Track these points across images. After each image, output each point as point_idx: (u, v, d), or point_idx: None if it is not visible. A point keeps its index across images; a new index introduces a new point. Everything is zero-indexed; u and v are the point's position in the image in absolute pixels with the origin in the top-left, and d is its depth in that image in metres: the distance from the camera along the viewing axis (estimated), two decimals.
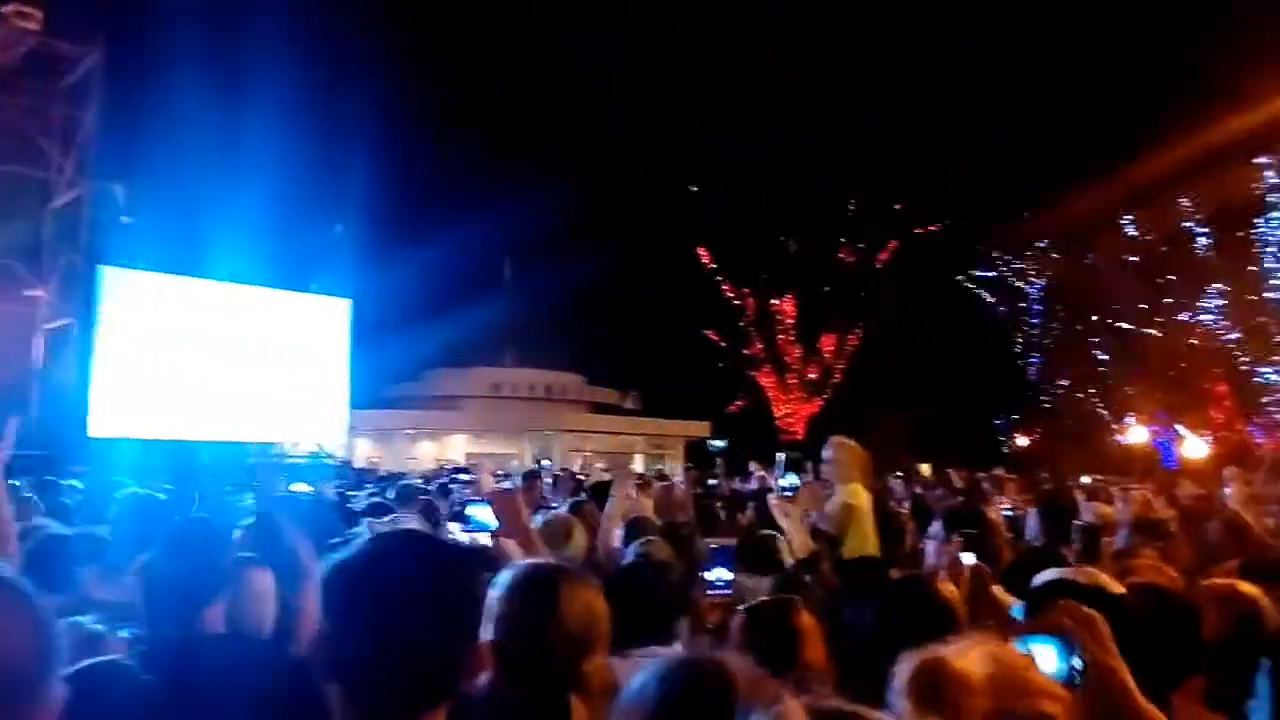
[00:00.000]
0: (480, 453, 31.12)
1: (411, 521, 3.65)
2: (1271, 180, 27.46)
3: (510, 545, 2.94)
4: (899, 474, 12.20)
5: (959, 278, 35.39)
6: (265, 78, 19.48)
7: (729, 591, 2.90)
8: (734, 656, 1.29)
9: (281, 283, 19.68)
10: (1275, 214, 28.02)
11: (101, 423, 16.08)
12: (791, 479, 4.01)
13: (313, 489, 8.16)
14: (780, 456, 4.04)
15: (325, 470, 13.27)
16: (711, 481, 9.27)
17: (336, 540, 4.60)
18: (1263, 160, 26.95)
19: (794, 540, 3.91)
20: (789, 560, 3.84)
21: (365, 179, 22.06)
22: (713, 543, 3.23)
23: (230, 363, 18.01)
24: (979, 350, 33.65)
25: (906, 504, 7.52)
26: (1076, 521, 3.88)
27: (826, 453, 4.87)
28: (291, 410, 18.86)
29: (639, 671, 1.24)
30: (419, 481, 9.21)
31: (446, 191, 31.50)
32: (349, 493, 8.55)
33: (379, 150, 23.28)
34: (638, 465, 30.74)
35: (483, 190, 33.10)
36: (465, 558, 1.48)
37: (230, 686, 2.22)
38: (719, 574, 2.96)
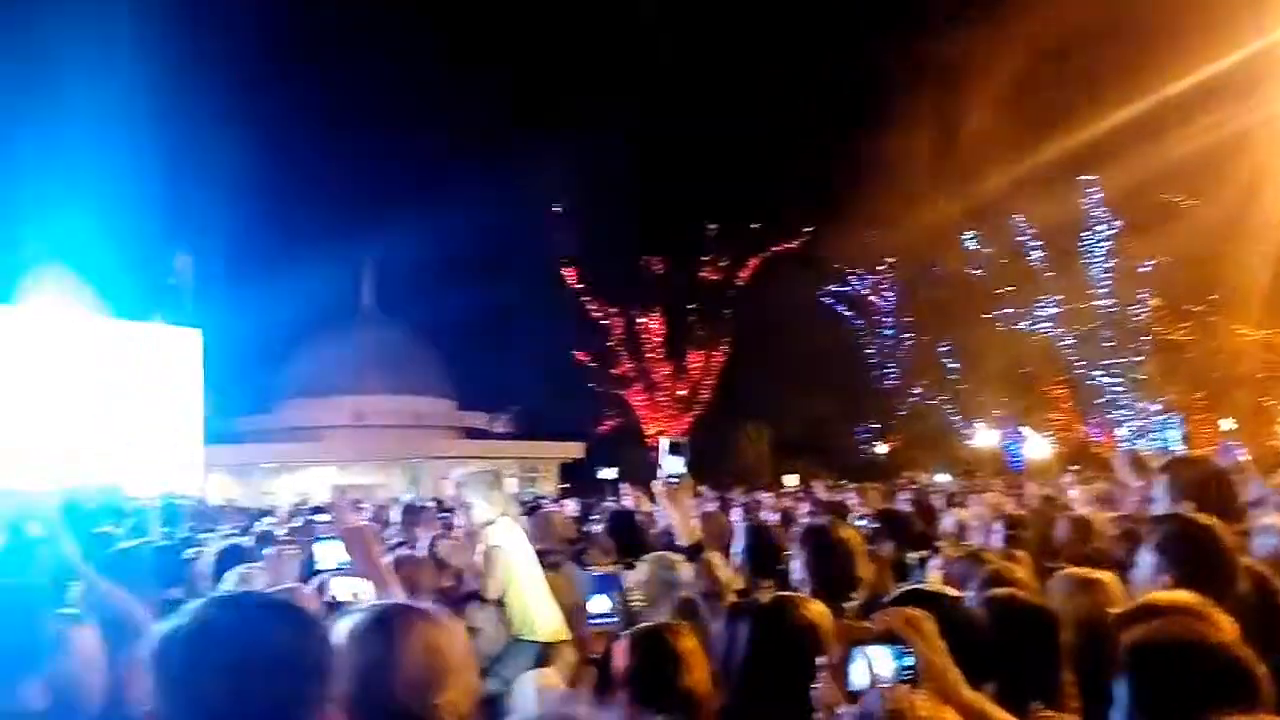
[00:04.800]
0: (347, 484, 30.07)
1: (259, 578, 3.43)
2: (1095, 196, 29.68)
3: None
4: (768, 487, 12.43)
5: (817, 293, 36.65)
6: (108, 99, 18.47)
7: (614, 620, 2.82)
8: (591, 713, 1.24)
9: (126, 313, 18.55)
10: (1099, 228, 30.29)
11: None
12: (676, 465, 3.96)
13: (161, 533, 7.66)
14: (664, 443, 4.00)
15: (176, 512, 12.49)
16: (605, 507, 9.16)
17: (180, 591, 4.31)
18: (1086, 178, 29.10)
19: (679, 527, 3.90)
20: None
21: (213, 204, 21.15)
22: (596, 570, 3.17)
23: (68, 399, 16.78)
24: (840, 362, 34.90)
25: (775, 516, 7.64)
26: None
27: None
28: (139, 448, 17.71)
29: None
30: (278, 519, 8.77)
31: (300, 215, 30.49)
32: (202, 534, 8.06)
33: (227, 174, 22.36)
34: (511, 490, 30.35)
35: (339, 213, 32.21)
36: (307, 618, 1.39)
37: None
38: (600, 603, 2.88)
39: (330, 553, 3.04)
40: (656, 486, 4.24)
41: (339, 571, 2.86)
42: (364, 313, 35.13)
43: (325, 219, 31.01)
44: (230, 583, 3.50)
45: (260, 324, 24.76)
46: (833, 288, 37.29)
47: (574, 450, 33.24)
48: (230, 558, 4.39)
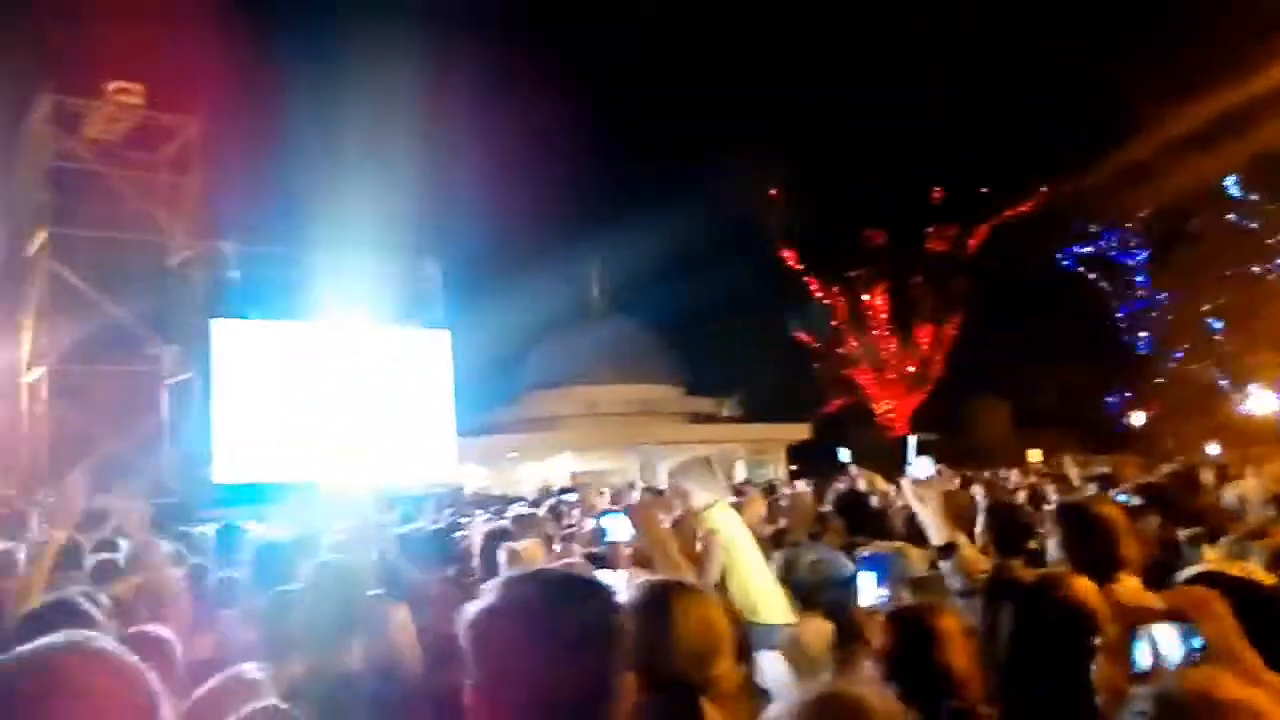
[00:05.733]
0: (583, 470, 31.43)
1: (536, 552, 3.75)
2: None
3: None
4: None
5: (1056, 255, 34.20)
6: (354, 126, 20.27)
7: (882, 601, 2.79)
8: (874, 690, 1.20)
9: (383, 320, 20.32)
10: None
11: (225, 469, 16.85)
12: (926, 467, 3.88)
13: (428, 519, 8.39)
14: (911, 441, 3.93)
15: (438, 499, 13.59)
16: (835, 488, 9.11)
17: (455, 568, 4.74)
18: None
19: (931, 526, 3.83)
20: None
21: (457, 211, 22.68)
22: (865, 551, 3.13)
23: (341, 401, 18.63)
24: (1084, 328, 32.43)
25: (1021, 494, 7.30)
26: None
27: None
28: (402, 442, 19.40)
29: (777, 704, 1.20)
30: (527, 504, 9.35)
31: (535, 222, 32.07)
32: (462, 519, 8.75)
33: (467, 178, 23.89)
34: (740, 472, 30.56)
35: (570, 218, 33.58)
36: (606, 591, 1.52)
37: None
38: (868, 583, 2.82)
39: (618, 525, 3.43)
40: (905, 485, 4.19)
41: (628, 542, 3.12)
42: (595, 308, 36.45)
43: (558, 225, 32.52)
44: (502, 560, 3.83)
45: (503, 323, 26.29)
46: (1074, 249, 34.67)
47: (801, 432, 32.95)
48: (496, 539, 4.78)
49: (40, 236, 18.35)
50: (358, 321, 19.55)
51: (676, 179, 32.38)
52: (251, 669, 2.43)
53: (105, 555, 5.03)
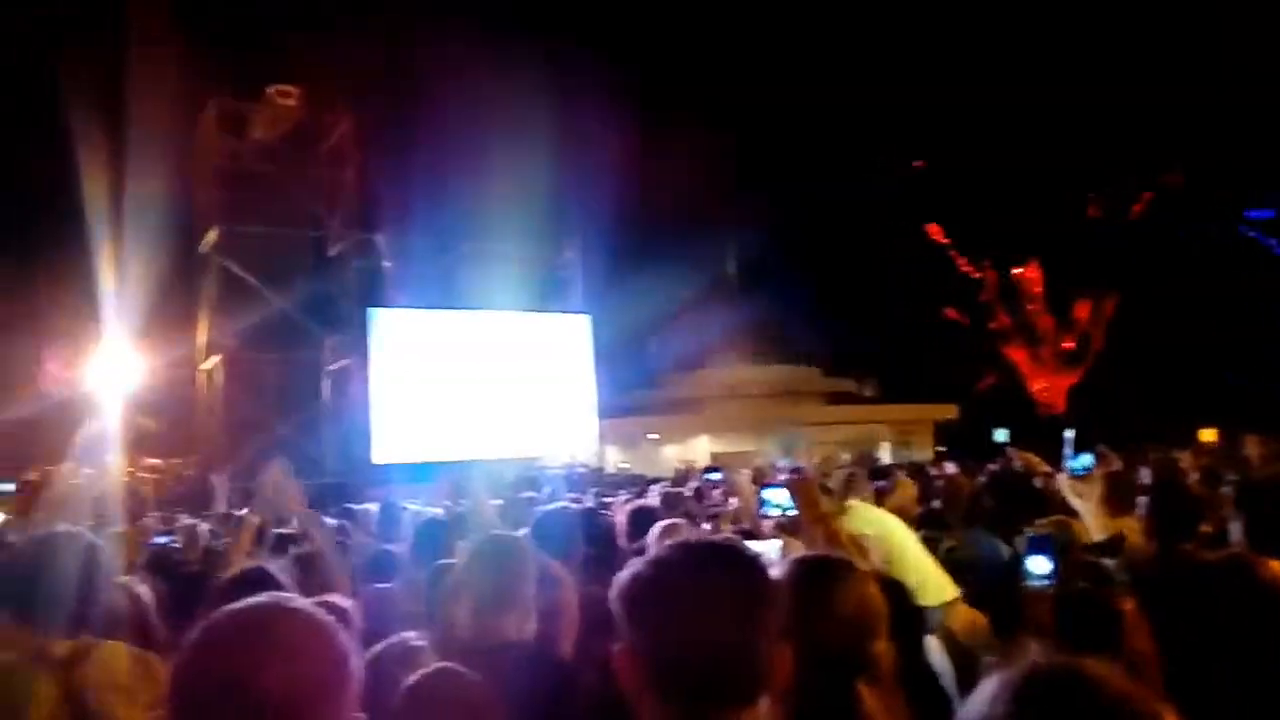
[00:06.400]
0: (723, 452, 31.45)
1: (682, 529, 3.79)
2: None
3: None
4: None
5: (1231, 221, 31.71)
6: (496, 119, 20.80)
7: (1050, 581, 2.71)
8: (1098, 663, 1.05)
9: (526, 306, 20.90)
10: None
11: (383, 450, 17.71)
12: (1084, 459, 3.73)
13: (572, 498, 8.59)
14: (1068, 435, 3.78)
15: (581, 479, 13.93)
16: (988, 470, 8.79)
17: (602, 543, 4.83)
18: None
19: (1090, 522, 3.66)
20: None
21: (594, 198, 22.98)
22: (1030, 531, 3.05)
23: (488, 384, 19.28)
24: (1261, 299, 29.99)
25: (1193, 475, 6.82)
26: None
27: None
28: (546, 424, 19.93)
29: (986, 681, 1.11)
30: (669, 484, 9.43)
31: (670, 200, 32.14)
32: (606, 499, 8.91)
33: (604, 164, 24.17)
34: (884, 455, 29.89)
35: (704, 200, 33.49)
36: (753, 558, 1.54)
37: (539, 691, 2.38)
38: (1038, 564, 2.75)
39: (778, 497, 3.49)
40: (1063, 482, 4.03)
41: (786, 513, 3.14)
42: (732, 289, 36.34)
43: (694, 207, 32.47)
44: (651, 536, 3.88)
45: (641, 307, 26.51)
46: (1251, 213, 32.06)
47: (948, 412, 31.88)
48: (642, 517, 4.84)
49: (211, 234, 19.71)
50: (502, 308, 20.17)
51: (814, 155, 31.76)
52: (413, 636, 2.55)
53: (281, 530, 5.40)
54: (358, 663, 1.21)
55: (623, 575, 1.47)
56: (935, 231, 34.20)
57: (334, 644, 1.20)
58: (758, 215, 31.12)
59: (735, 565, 1.45)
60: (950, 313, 34.34)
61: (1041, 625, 2.38)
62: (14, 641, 2.27)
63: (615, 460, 29.09)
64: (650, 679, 1.37)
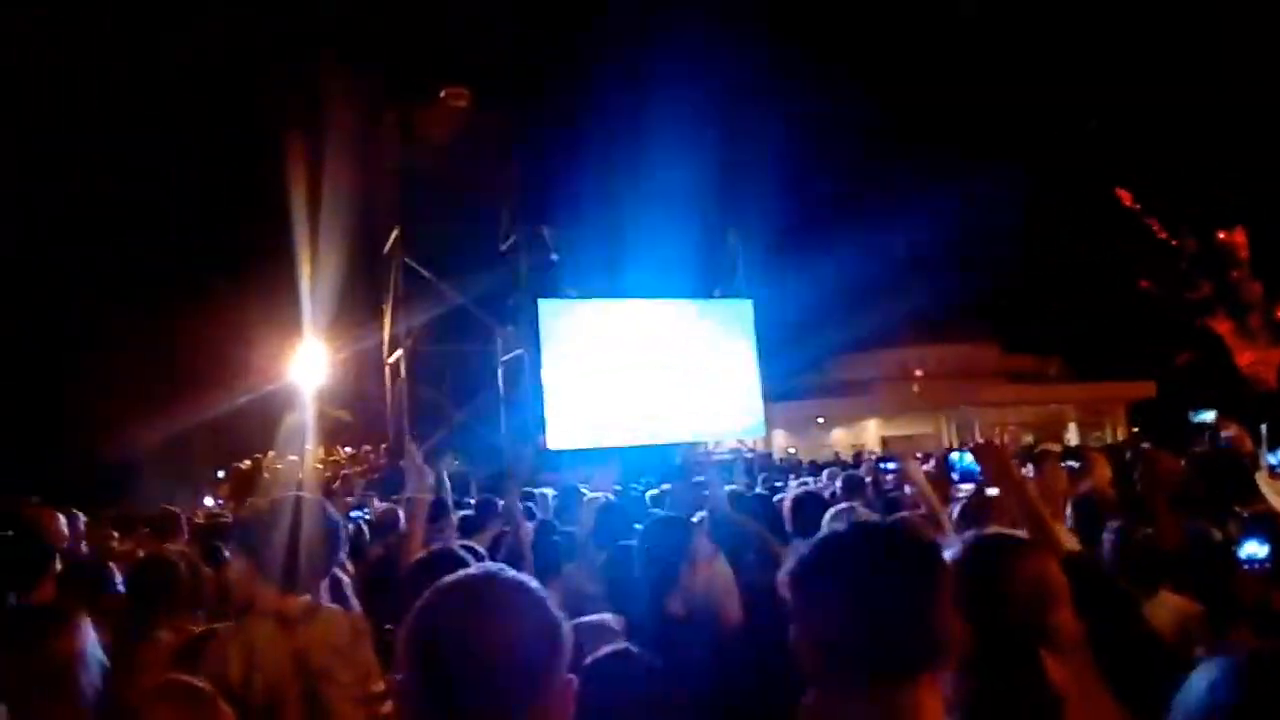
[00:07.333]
0: (894, 435, 30.61)
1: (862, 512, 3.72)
2: None
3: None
4: None
5: None
6: (657, 109, 20.99)
7: (1266, 564, 2.54)
8: None
9: (690, 292, 21.02)
10: None
11: (556, 436, 18.25)
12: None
13: (740, 482, 8.58)
14: (1265, 430, 3.45)
15: (748, 463, 13.88)
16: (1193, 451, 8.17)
17: (771, 527, 4.79)
18: None
19: None
20: None
21: (756, 181, 22.83)
22: (1246, 511, 2.85)
23: (655, 371, 19.52)
24: None
25: None
26: None
27: None
28: (713, 409, 19.99)
29: (1202, 670, 1.05)
30: (842, 468, 9.25)
31: (832, 180, 31.52)
32: (776, 484, 8.85)
33: (765, 146, 23.97)
34: (1071, 436, 28.29)
35: (870, 172, 32.60)
36: (922, 540, 1.54)
37: (708, 667, 2.42)
38: (1255, 547, 2.60)
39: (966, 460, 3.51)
40: (1261, 479, 3.73)
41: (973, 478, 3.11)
42: (901, 268, 35.23)
43: (858, 186, 31.71)
44: (825, 519, 3.82)
45: (806, 289, 26.16)
46: None
47: (1144, 389, 29.75)
48: (811, 503, 4.77)
49: (393, 234, 20.86)
50: (666, 295, 20.37)
51: (984, 121, 30.25)
52: (609, 616, 2.63)
53: (466, 512, 5.69)
54: (568, 629, 1.30)
55: (792, 560, 1.51)
56: (1125, 196, 31.84)
57: (550, 611, 1.29)
58: (927, 189, 29.94)
59: (903, 541, 1.49)
60: (1144, 283, 31.92)
61: (1259, 609, 2.23)
62: (255, 592, 2.47)
63: (782, 445, 28.89)
64: (825, 657, 1.40)
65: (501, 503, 5.28)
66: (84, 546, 5.38)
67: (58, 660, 1.95)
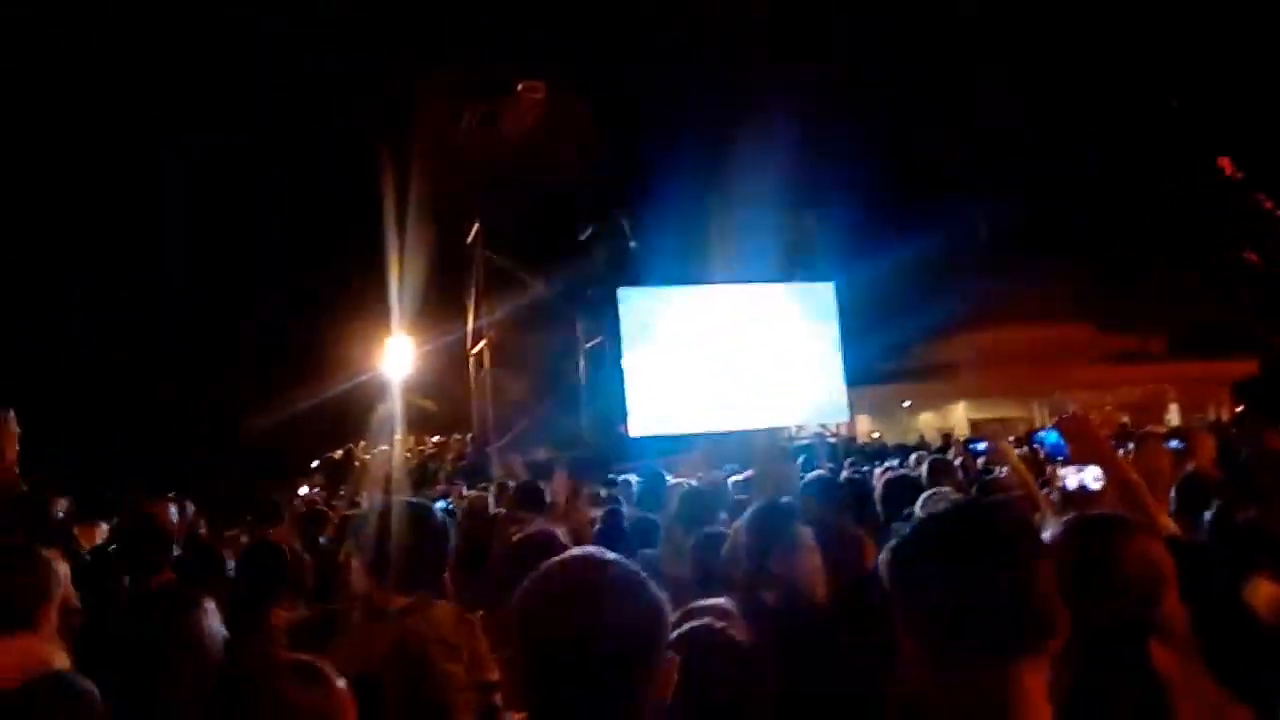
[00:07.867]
0: (982, 418, 29.86)
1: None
2: None
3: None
4: None
5: None
6: (730, 93, 20.89)
7: None
8: None
9: (770, 276, 20.86)
10: None
11: (638, 423, 18.35)
12: None
13: (825, 467, 8.51)
14: None
15: (831, 448, 13.76)
16: None
17: (860, 512, 4.75)
18: None
19: None
20: None
21: (835, 161, 22.52)
22: None
23: (735, 356, 19.43)
24: None
25: None
26: None
27: None
28: (795, 394, 19.82)
29: None
30: (930, 453, 9.10)
31: (914, 159, 30.83)
32: (861, 469, 8.75)
33: (843, 128, 23.62)
34: (1173, 417, 27.22)
35: (952, 148, 31.75)
36: (1020, 520, 1.54)
37: (796, 648, 2.43)
38: None
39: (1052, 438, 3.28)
40: None
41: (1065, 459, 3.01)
42: (984, 249, 34.27)
43: (940, 165, 30.91)
44: (916, 505, 3.78)
45: (889, 271, 25.69)
46: None
47: (1248, 368, 28.42)
48: (900, 486, 4.72)
49: (474, 228, 21.21)
50: (746, 280, 20.25)
51: (1065, 93, 29.11)
52: (725, 601, 2.67)
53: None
54: (669, 610, 1.36)
55: (890, 545, 1.51)
56: (1227, 165, 30.36)
57: (652, 592, 1.35)
58: (1011, 164, 29.01)
59: (1003, 520, 1.47)
60: (1250, 255, 30.42)
61: None
62: (364, 592, 2.62)
63: (865, 429, 28.49)
64: (926, 638, 1.41)
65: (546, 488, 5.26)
66: (202, 530, 5.66)
67: (189, 640, 2.07)
